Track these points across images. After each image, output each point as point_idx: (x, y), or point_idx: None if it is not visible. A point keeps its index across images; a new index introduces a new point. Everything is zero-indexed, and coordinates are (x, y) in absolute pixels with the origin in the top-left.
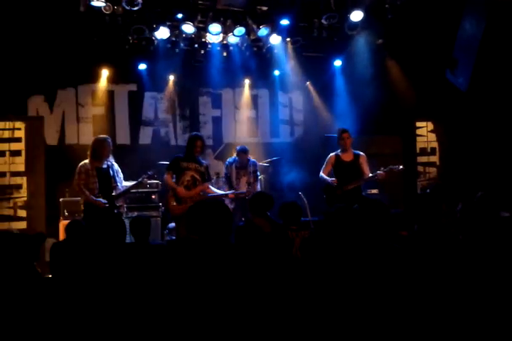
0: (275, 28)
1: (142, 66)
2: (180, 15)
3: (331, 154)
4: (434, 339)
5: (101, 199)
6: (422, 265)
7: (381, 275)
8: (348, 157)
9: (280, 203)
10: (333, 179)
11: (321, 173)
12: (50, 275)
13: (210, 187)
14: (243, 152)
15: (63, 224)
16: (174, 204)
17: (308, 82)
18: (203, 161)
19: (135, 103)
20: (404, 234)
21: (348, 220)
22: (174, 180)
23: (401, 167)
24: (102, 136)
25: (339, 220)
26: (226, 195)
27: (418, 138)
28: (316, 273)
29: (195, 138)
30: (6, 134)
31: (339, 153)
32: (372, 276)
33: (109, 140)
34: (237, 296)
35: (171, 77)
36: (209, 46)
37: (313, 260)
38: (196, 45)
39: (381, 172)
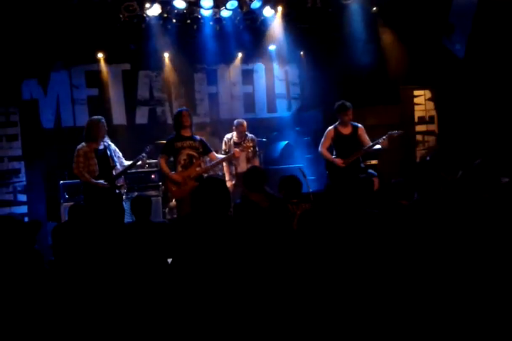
0: (268, 0)
1: (134, 44)
2: None
3: (330, 128)
4: (434, 306)
5: (101, 181)
6: (423, 233)
7: (380, 244)
8: (346, 130)
9: (279, 178)
10: (339, 160)
11: (321, 148)
12: (53, 258)
13: (215, 154)
14: (241, 124)
15: (64, 206)
16: (174, 189)
17: (301, 53)
18: (196, 137)
19: (129, 82)
20: (404, 203)
21: (345, 194)
22: (172, 159)
23: (400, 131)
24: (95, 116)
25: (337, 193)
26: (232, 154)
27: (416, 107)
28: (313, 244)
29: (179, 112)
30: (1, 119)
31: (338, 126)
32: (371, 246)
33: (103, 120)
34: (240, 272)
35: (165, 55)
36: (201, 21)
37: (311, 231)
38: (188, 21)
39: (381, 140)
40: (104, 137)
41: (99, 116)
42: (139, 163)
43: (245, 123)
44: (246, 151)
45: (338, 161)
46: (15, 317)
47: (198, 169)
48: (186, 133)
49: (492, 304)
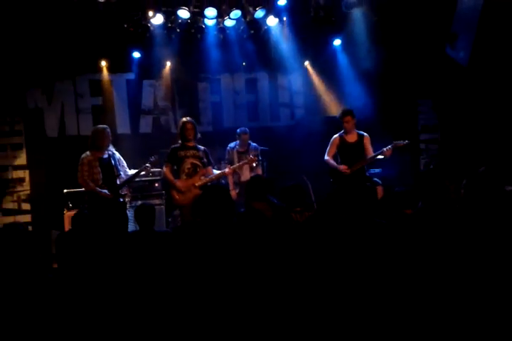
0: (271, 10)
1: (138, 54)
2: None
3: (335, 136)
4: (437, 311)
5: (106, 190)
6: (427, 242)
7: (385, 253)
8: (352, 138)
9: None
10: (343, 166)
11: (326, 156)
12: (57, 266)
13: (211, 169)
14: (244, 133)
15: (68, 215)
16: (177, 196)
17: (306, 62)
18: (200, 147)
19: (134, 92)
20: (408, 212)
21: (348, 201)
22: (175, 168)
23: (406, 141)
24: (100, 126)
25: (340, 200)
26: (223, 172)
27: (420, 116)
28: (318, 252)
29: (183, 122)
30: (6, 128)
31: (343, 135)
32: (377, 255)
33: (108, 129)
34: (244, 280)
35: (168, 64)
36: (205, 31)
37: (316, 238)
38: (192, 30)
39: (386, 149)
40: (108, 146)
41: (104, 125)
42: (143, 172)
43: (248, 131)
44: (250, 164)
45: (343, 167)
46: (18, 325)
47: (202, 178)
48: (190, 143)
49: (496, 313)
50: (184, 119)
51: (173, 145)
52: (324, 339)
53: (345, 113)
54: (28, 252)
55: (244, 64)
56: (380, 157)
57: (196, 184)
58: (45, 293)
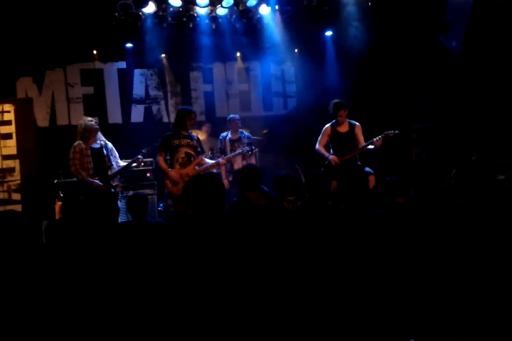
0: None
1: (130, 43)
2: None
3: (327, 125)
4: (431, 300)
5: (97, 181)
6: (420, 231)
7: (378, 242)
8: (343, 128)
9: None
10: (334, 157)
11: (318, 146)
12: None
13: (204, 159)
14: (232, 119)
15: (59, 205)
16: (171, 185)
17: (299, 51)
18: (193, 135)
19: (125, 81)
20: (400, 201)
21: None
22: (168, 158)
23: (396, 131)
24: (84, 117)
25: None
26: (218, 162)
27: (412, 105)
28: (310, 241)
29: (190, 112)
30: None
31: (335, 124)
32: (368, 244)
33: (91, 119)
34: (237, 270)
35: (161, 53)
36: (197, 19)
37: (307, 226)
38: (184, 19)
39: (377, 138)
40: (95, 136)
41: (87, 117)
42: (135, 164)
43: (237, 118)
44: (244, 155)
45: (333, 158)
46: (11, 313)
47: (196, 168)
48: (184, 131)
49: (492, 303)
50: (182, 108)
51: (167, 133)
52: (319, 327)
53: (338, 107)
54: (21, 239)
55: (236, 53)
56: (370, 147)
57: (190, 174)
58: (36, 280)
